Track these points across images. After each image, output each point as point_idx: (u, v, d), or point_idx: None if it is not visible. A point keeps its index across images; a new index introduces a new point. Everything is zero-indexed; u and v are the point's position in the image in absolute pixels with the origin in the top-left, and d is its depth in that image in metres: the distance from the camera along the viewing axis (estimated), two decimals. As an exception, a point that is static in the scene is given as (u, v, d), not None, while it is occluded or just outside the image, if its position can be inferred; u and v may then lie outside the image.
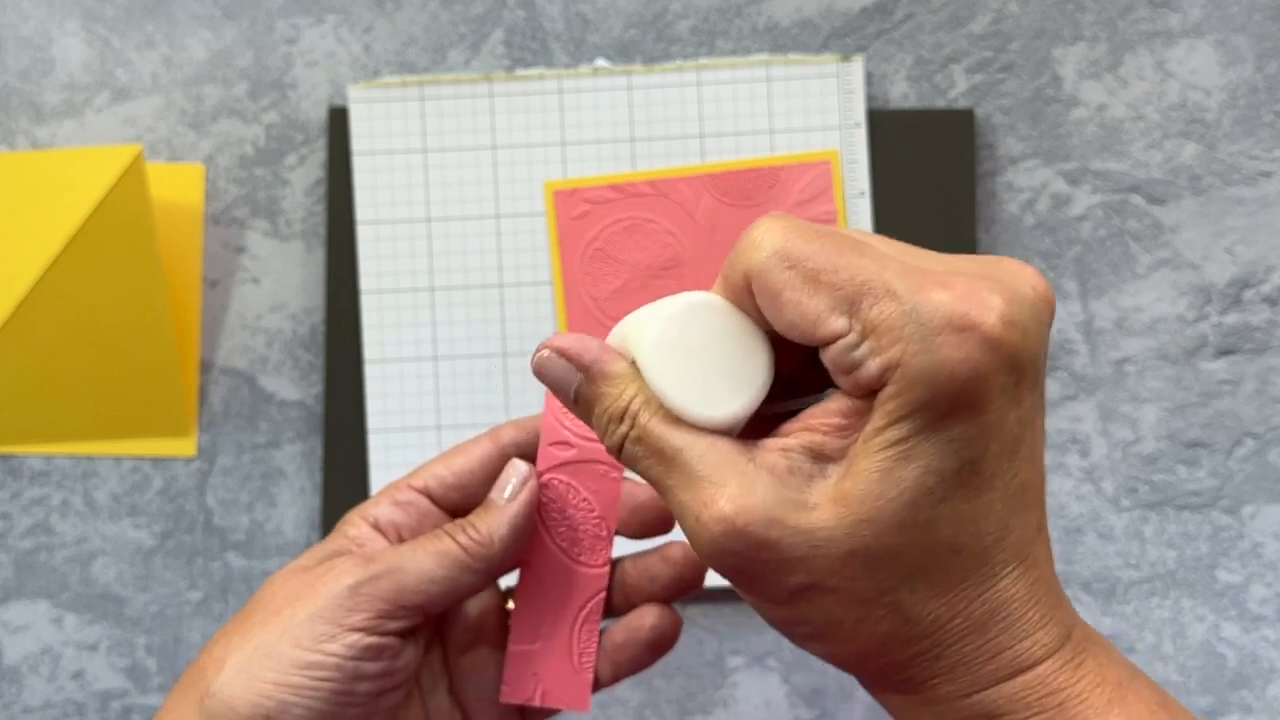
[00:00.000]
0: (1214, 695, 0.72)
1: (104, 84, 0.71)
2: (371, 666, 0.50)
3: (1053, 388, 0.72)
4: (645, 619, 0.55)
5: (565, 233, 0.71)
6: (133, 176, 0.68)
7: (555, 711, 0.56)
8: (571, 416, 0.53)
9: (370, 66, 0.72)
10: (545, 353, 0.45)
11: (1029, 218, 0.72)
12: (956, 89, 0.72)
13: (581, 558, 0.54)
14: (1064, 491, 0.72)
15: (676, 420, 0.42)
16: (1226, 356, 0.72)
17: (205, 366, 0.71)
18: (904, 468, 0.39)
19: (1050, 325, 0.41)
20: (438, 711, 0.55)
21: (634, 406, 0.43)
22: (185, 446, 0.71)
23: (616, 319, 0.46)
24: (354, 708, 0.51)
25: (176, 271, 0.71)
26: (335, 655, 0.50)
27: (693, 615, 0.71)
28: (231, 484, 0.71)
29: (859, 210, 0.71)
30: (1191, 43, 0.72)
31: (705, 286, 0.44)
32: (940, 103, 0.72)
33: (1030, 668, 0.41)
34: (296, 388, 0.71)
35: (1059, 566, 0.70)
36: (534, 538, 0.54)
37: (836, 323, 0.40)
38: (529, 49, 0.72)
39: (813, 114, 0.71)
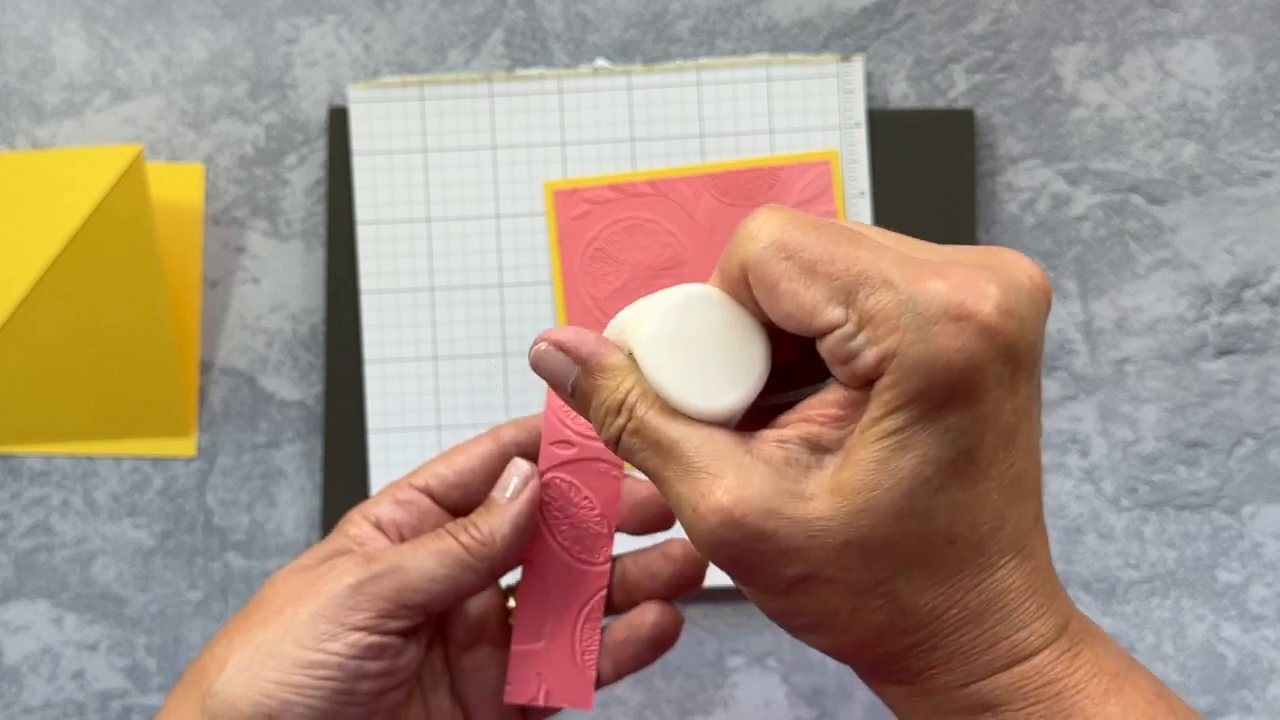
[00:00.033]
0: (1214, 695, 0.72)
1: (104, 84, 0.71)
2: (373, 665, 0.50)
3: (1053, 388, 0.72)
4: (646, 616, 0.55)
5: (565, 233, 0.71)
6: (133, 176, 0.68)
7: (557, 710, 0.56)
8: (573, 415, 0.53)
9: (370, 66, 0.72)
10: (542, 345, 0.45)
11: (1029, 218, 0.72)
12: (956, 89, 0.72)
13: (583, 556, 0.54)
14: (1064, 491, 0.72)
15: (674, 412, 0.42)
16: (1226, 356, 0.72)
17: (205, 366, 0.71)
18: (900, 457, 0.39)
19: (1047, 315, 0.41)
20: (439, 710, 0.55)
21: (631, 399, 0.43)
22: (185, 446, 0.71)
23: (616, 319, 0.46)
24: (356, 707, 0.51)
25: (176, 271, 0.71)
26: (337, 654, 0.50)
27: (693, 615, 0.71)
28: (231, 484, 0.71)
29: (859, 210, 0.71)
30: (1191, 43, 0.72)
31: (705, 287, 0.44)
32: (940, 103, 0.72)
33: (1027, 658, 0.41)
34: (296, 388, 0.71)
35: (1059, 567, 0.70)
36: (536, 536, 0.54)
37: (833, 313, 0.40)
38: (529, 49, 0.72)
39: (813, 114, 0.71)
